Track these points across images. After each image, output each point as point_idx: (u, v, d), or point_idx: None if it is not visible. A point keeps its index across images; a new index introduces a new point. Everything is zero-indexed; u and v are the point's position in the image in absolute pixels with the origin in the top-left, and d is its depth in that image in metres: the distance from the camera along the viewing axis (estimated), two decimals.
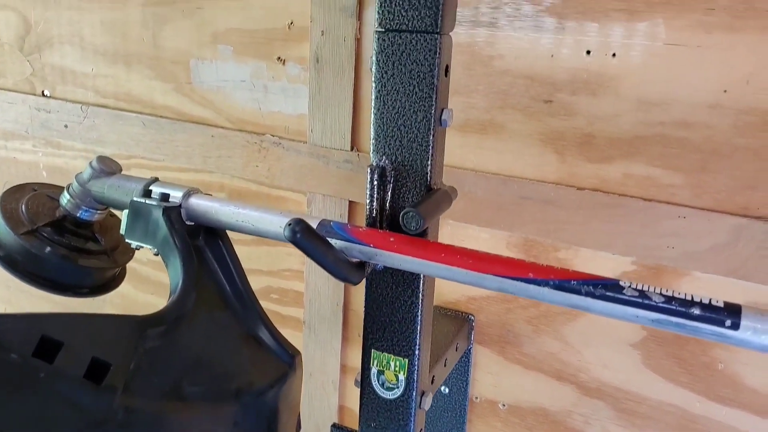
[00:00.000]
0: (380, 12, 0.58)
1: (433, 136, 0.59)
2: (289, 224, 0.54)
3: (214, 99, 0.98)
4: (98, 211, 0.73)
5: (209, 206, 0.65)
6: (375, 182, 0.61)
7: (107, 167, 0.72)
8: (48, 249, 0.69)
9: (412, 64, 0.58)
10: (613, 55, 0.71)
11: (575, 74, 0.73)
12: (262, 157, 0.95)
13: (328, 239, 0.59)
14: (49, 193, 0.76)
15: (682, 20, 0.67)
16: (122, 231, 0.67)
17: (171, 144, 1.02)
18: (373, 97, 0.61)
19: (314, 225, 0.60)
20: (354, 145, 0.88)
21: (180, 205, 0.65)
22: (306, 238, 0.54)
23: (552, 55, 0.74)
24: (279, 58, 0.91)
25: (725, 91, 0.67)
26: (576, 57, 0.73)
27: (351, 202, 0.91)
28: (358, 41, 0.84)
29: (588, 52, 0.72)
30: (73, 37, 1.07)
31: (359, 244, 0.58)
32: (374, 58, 0.60)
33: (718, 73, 0.67)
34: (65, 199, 0.72)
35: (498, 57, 0.77)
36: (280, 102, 0.93)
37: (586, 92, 0.73)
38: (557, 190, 0.77)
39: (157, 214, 0.63)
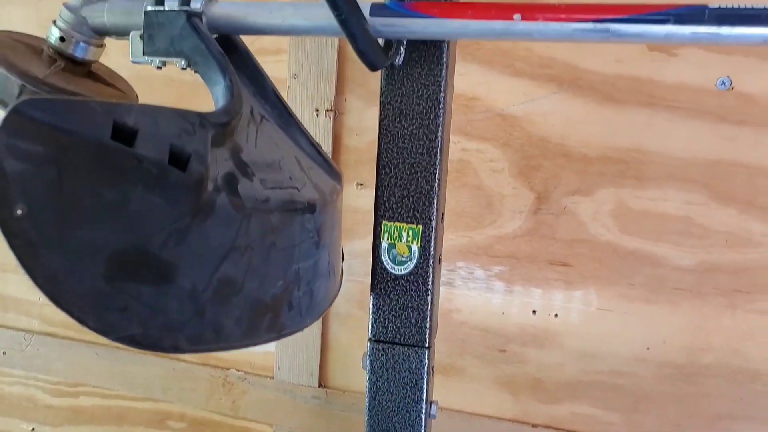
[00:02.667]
0: (373, 325, 0.66)
1: (425, 429, 0.67)
2: None
3: None
4: (93, 47, 0.63)
5: (236, 9, 0.58)
6: None
7: None
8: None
9: (405, 371, 0.66)
10: (555, 315, 0.83)
11: (524, 329, 0.85)
12: (227, 390, 0.97)
13: None
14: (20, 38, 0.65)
15: (610, 291, 0.81)
16: (135, 57, 0.59)
17: (128, 375, 1.01)
18: (368, 396, 0.67)
19: None
20: (322, 382, 0.93)
21: (202, 12, 0.58)
22: None
23: (503, 312, 0.85)
24: None
25: (648, 348, 0.81)
26: (524, 315, 0.84)
27: None
28: None
29: (534, 312, 0.84)
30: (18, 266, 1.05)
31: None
32: (368, 362, 0.67)
33: (641, 334, 0.81)
34: (55, 33, 0.61)
35: (456, 311, 0.87)
36: None
37: (534, 344, 0.85)
38: (514, 426, 0.86)
39: (181, 21, 0.57)
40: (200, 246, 0.45)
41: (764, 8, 0.49)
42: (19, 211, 0.37)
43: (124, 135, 0.41)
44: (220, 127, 0.50)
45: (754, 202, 0.75)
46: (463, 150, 0.83)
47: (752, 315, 0.77)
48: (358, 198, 0.88)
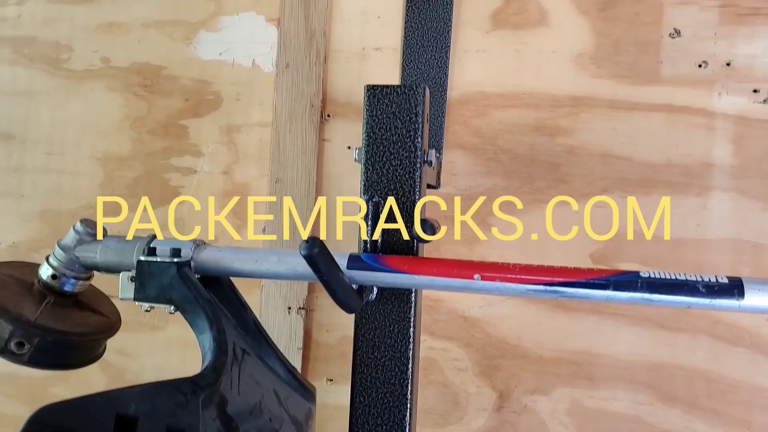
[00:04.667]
0: None
1: None
2: (307, 241, 0.55)
3: None
4: (82, 281, 0.68)
5: (223, 257, 0.64)
6: None
7: (94, 230, 0.67)
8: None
9: None
10: None
11: None
12: None
13: None
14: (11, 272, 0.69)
15: None
16: (124, 295, 0.63)
17: None
18: None
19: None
20: None
21: (191, 259, 0.63)
22: (322, 255, 0.56)
23: None
24: None
25: None
26: None
27: None
28: None
29: None
30: None
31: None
32: None
33: None
34: (47, 271, 0.66)
35: None
36: None
37: None
38: None
39: (171, 272, 0.61)
40: None
41: (686, 279, 0.57)
42: None
43: (126, 425, 0.44)
44: (209, 387, 0.53)
45: (695, 403, 0.82)
46: (429, 348, 0.88)
47: None
48: (327, 393, 0.91)
